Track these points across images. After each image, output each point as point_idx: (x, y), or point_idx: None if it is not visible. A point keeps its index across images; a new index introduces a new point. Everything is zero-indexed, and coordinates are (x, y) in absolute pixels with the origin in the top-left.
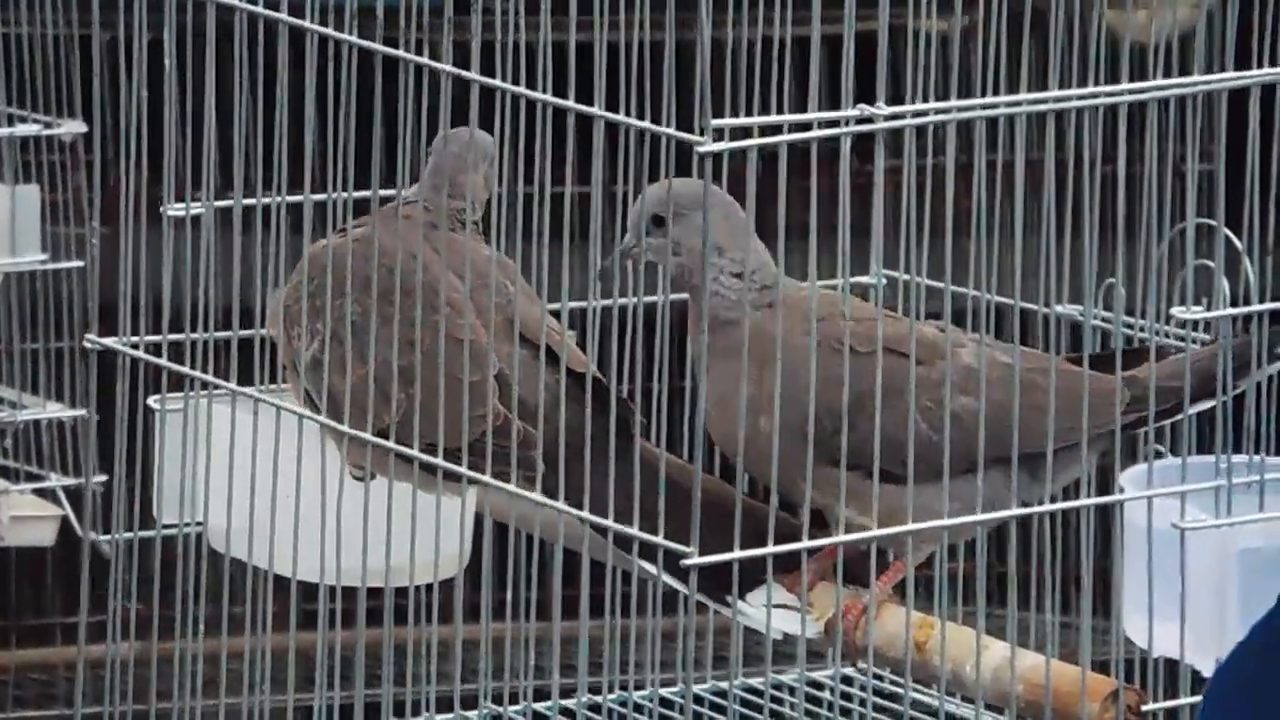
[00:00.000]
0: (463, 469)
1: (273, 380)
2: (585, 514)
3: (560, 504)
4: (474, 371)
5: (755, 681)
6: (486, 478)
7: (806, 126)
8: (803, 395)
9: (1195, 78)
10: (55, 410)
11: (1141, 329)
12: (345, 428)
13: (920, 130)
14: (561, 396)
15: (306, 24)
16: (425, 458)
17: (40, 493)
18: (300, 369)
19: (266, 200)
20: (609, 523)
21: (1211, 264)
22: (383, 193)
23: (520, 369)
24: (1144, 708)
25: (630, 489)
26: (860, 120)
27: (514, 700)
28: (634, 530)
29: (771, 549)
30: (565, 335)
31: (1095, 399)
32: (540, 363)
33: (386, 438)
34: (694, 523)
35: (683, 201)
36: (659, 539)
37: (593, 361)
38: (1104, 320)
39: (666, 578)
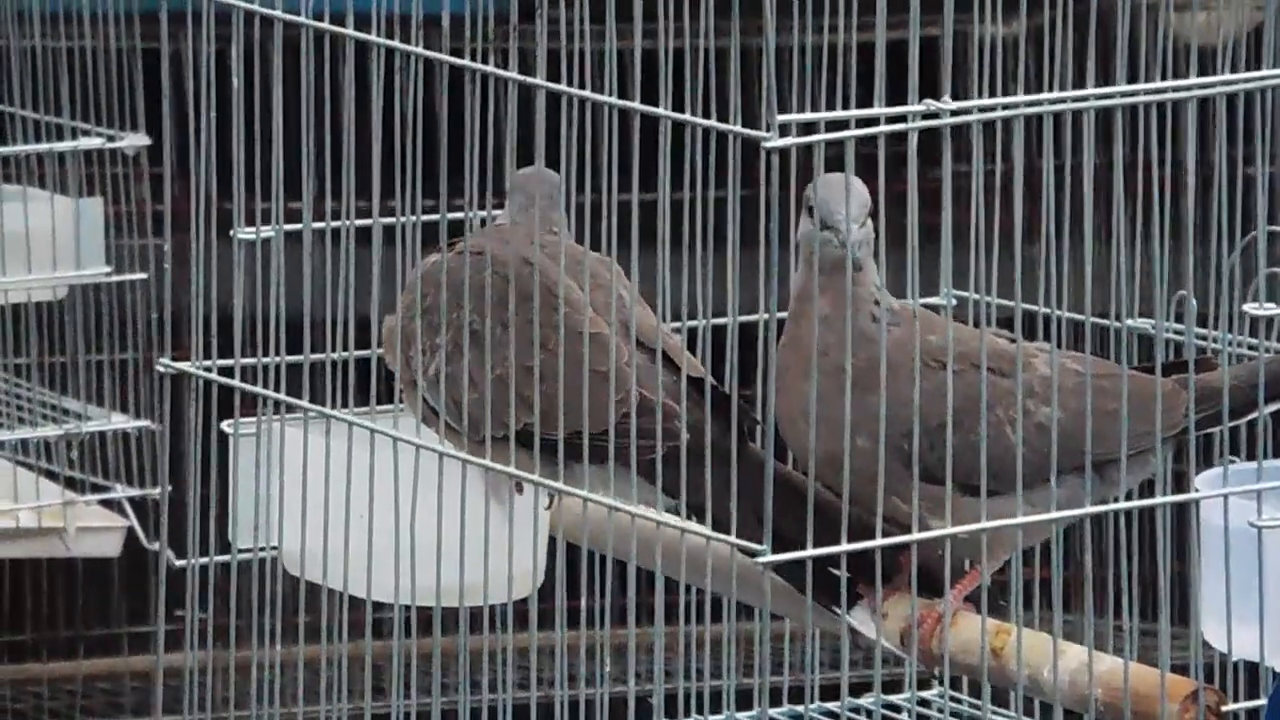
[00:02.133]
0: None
1: (344, 403)
2: (670, 520)
3: (660, 514)
4: (604, 361)
5: (832, 705)
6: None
7: (872, 122)
8: (893, 411)
9: (1264, 71)
10: (120, 421)
11: (1214, 340)
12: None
13: (988, 130)
14: (682, 398)
15: (372, 37)
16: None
17: (106, 504)
18: (421, 386)
19: (336, 224)
20: (694, 526)
21: None
22: (451, 216)
23: (641, 370)
24: (1224, 708)
25: (745, 488)
26: (926, 115)
27: (590, 712)
28: (707, 530)
29: (845, 547)
30: (680, 342)
31: (1165, 399)
32: (658, 365)
33: (522, 440)
34: (766, 519)
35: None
36: (731, 538)
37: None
38: (1176, 333)
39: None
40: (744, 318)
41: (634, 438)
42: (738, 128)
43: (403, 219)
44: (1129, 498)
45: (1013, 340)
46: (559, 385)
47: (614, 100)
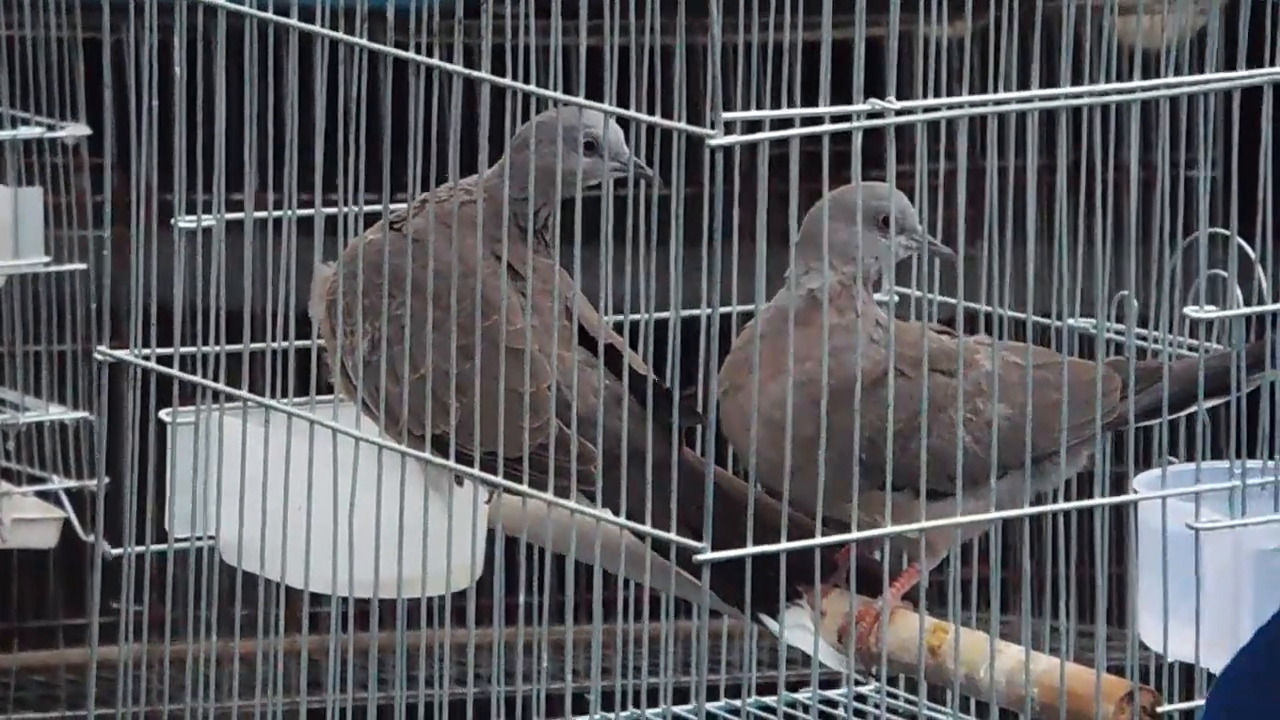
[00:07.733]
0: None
1: (284, 394)
2: (610, 516)
3: (598, 510)
4: (530, 384)
5: (769, 700)
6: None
7: (817, 121)
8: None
9: (1208, 75)
10: (58, 413)
11: (1155, 340)
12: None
13: (932, 130)
14: (624, 399)
15: (316, 28)
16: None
17: (42, 495)
18: (355, 368)
19: (278, 214)
20: (633, 524)
21: (1225, 274)
22: (394, 207)
23: (578, 373)
24: (1159, 709)
25: (679, 494)
26: (871, 114)
27: (526, 708)
28: (648, 527)
29: (785, 545)
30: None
31: (1105, 383)
32: (600, 367)
33: (440, 444)
34: (707, 515)
35: None
36: (671, 535)
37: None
38: (1117, 333)
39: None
40: (687, 312)
41: (551, 472)
42: (682, 124)
43: (345, 209)
44: (1068, 497)
45: (954, 336)
46: (475, 401)
47: (559, 95)
